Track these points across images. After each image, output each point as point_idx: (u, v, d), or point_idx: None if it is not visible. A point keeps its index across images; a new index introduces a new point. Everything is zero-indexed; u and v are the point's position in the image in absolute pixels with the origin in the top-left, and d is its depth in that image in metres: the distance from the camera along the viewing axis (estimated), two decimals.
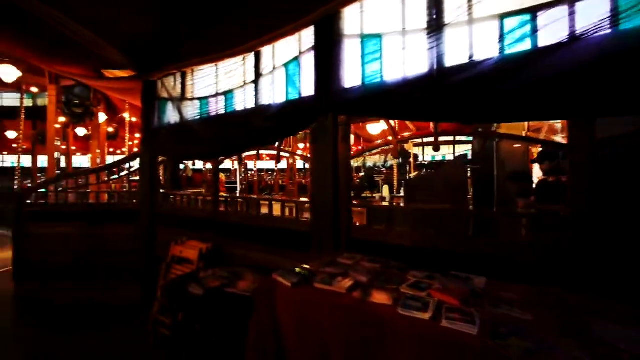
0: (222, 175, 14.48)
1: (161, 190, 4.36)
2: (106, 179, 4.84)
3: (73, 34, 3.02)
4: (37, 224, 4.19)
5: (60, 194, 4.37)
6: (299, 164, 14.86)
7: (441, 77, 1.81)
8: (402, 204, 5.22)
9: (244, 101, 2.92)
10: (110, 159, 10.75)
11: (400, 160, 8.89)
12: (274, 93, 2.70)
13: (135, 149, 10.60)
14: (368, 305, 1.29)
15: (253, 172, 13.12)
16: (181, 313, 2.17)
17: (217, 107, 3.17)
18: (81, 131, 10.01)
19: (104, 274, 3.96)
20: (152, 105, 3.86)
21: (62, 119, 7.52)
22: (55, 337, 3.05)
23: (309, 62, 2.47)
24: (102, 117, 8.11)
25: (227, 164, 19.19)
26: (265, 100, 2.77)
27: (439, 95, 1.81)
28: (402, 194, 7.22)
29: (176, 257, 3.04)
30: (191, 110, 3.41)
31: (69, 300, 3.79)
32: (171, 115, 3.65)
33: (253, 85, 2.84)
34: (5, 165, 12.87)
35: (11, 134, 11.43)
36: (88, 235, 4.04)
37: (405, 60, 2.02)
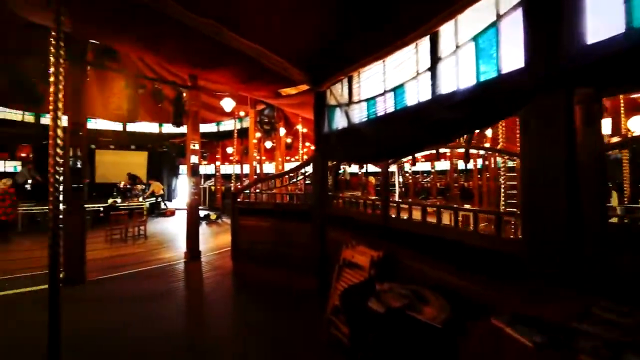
0: (371, 179, 14.71)
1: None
2: (287, 182, 5.68)
3: (269, 62, 3.59)
4: (244, 217, 5.38)
5: (258, 194, 5.45)
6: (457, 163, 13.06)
7: None
8: None
9: (417, 94, 2.58)
10: (287, 166, 13.02)
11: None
12: (458, 77, 2.21)
13: (305, 157, 12.34)
14: None
15: (408, 175, 12.56)
16: (358, 326, 2.05)
17: (386, 105, 2.97)
18: (268, 144, 12.63)
19: (287, 263, 4.60)
20: (322, 114, 4.15)
21: (258, 135, 9.65)
22: (256, 307, 3.72)
23: (513, 26, 1.84)
24: (282, 131, 9.86)
25: (376, 167, 19.46)
26: (445, 88, 2.32)
27: None
28: None
29: (347, 260, 3.05)
30: (358, 113, 3.39)
31: (265, 281, 4.63)
32: (339, 121, 3.78)
33: (429, 74, 2.45)
34: (227, 172, 17.97)
35: (229, 150, 15.89)
36: (277, 229, 4.81)
37: None
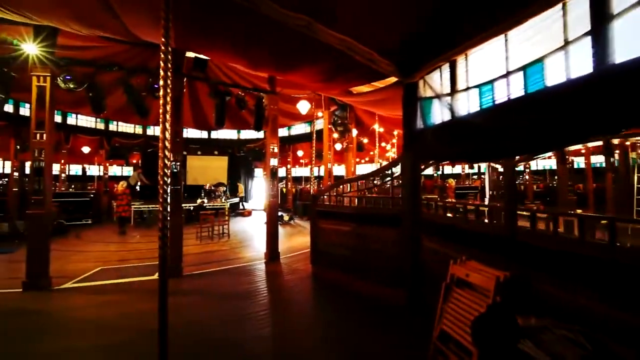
0: (450, 181, 13.36)
1: None
2: (372, 184, 5.35)
3: (357, 54, 3.32)
4: (324, 220, 5.22)
5: (337, 197, 5.23)
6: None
7: None
8: None
9: (565, 69, 1.97)
10: (358, 168, 12.68)
11: None
12: None
13: (377, 158, 11.81)
14: None
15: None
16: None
17: (509, 90, 2.39)
18: (338, 146, 12.49)
19: (370, 272, 4.25)
20: (413, 108, 3.70)
21: (335, 135, 9.55)
22: (338, 316, 3.46)
23: None
24: (354, 132, 9.56)
25: (456, 168, 17.68)
26: (619, 56, 1.69)
27: None
28: None
29: (455, 277, 2.55)
30: (465, 103, 2.86)
31: (346, 289, 4.36)
32: (437, 114, 3.28)
33: (588, 40, 1.83)
34: (297, 175, 18.48)
35: (299, 153, 16.31)
36: (358, 234, 4.50)
37: None
